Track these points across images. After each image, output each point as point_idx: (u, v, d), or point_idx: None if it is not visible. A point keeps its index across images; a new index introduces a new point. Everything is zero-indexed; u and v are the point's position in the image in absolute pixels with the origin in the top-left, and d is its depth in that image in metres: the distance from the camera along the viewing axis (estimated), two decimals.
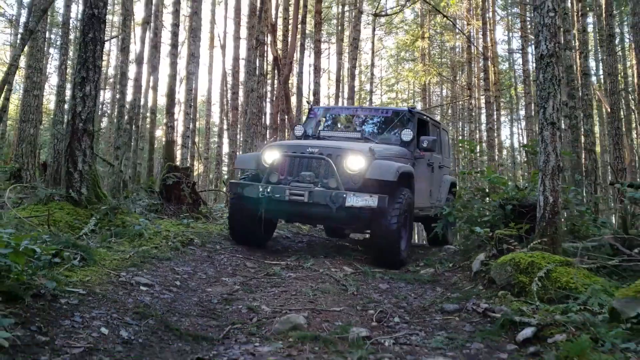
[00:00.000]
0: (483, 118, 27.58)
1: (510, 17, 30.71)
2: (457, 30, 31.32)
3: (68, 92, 18.48)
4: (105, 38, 6.95)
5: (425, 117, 7.95)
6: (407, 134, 6.72)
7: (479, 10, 24.25)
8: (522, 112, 30.62)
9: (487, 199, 6.07)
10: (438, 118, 37.20)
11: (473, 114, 27.82)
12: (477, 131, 29.05)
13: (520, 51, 26.41)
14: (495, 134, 26.01)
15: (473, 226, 5.33)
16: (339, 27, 21.24)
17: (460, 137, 33.62)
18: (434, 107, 37.22)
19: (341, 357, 3.03)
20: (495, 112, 25.13)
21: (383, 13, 23.83)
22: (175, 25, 11.64)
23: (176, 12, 11.80)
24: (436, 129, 8.37)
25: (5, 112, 9.29)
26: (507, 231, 4.93)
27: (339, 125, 7.85)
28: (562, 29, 10.26)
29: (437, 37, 33.32)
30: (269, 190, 5.69)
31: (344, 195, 5.44)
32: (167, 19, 21.76)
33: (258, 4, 13.74)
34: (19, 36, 9.21)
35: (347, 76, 19.78)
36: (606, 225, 5.78)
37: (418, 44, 31.07)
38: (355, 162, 5.76)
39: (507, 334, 3.49)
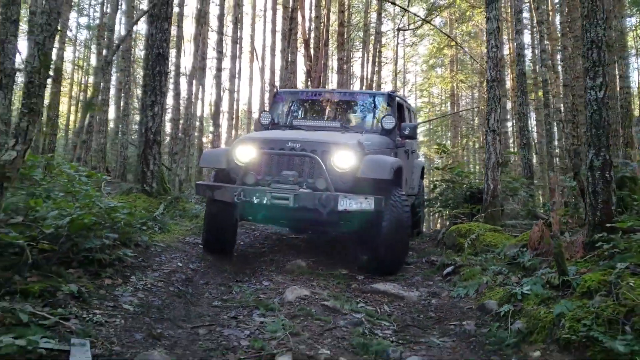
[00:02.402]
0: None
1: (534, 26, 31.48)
2: (481, 40, 32.57)
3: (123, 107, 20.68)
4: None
5: (403, 100, 7.17)
6: (389, 121, 5.89)
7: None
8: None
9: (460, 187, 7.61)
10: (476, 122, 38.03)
11: None
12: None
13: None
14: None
15: (442, 208, 6.91)
16: (363, 43, 22.85)
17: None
18: (462, 110, 38.23)
19: (325, 280, 4.71)
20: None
21: (405, 28, 25.30)
22: (220, 52, 13.61)
23: (220, 41, 13.73)
24: (409, 112, 7.59)
25: (92, 127, 11.32)
26: (462, 210, 6.49)
27: (313, 112, 6.83)
28: (539, 49, 11.59)
29: (465, 44, 34.30)
30: (245, 193, 4.77)
31: (336, 198, 4.59)
32: (213, 36, 23.78)
33: (287, 28, 15.51)
34: (100, 65, 11.10)
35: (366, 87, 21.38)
36: (550, 209, 7.25)
37: (445, 51, 32.33)
38: (345, 159, 4.86)
39: (439, 272, 5.11)
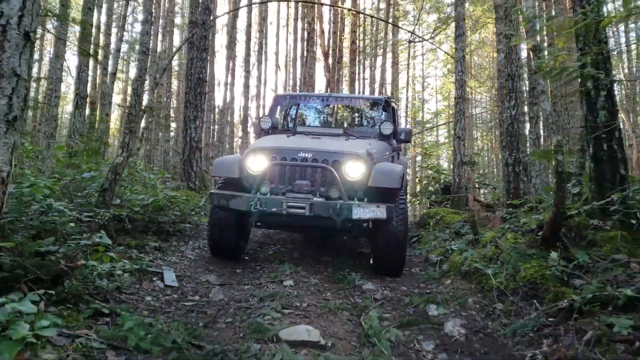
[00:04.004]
0: None
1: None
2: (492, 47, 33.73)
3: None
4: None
5: (395, 104, 7.09)
6: (388, 127, 5.99)
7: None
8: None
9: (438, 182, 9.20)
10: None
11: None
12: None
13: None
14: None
15: (423, 198, 8.51)
16: (374, 58, 24.45)
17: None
18: (471, 115, 39.38)
19: (324, 246, 6.38)
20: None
21: (415, 40, 26.74)
22: (247, 72, 15.47)
23: (247, 62, 15.61)
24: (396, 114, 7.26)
25: (142, 135, 13.28)
26: (436, 199, 8.09)
27: (314, 118, 6.92)
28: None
29: (480, 50, 35.47)
30: (262, 203, 4.69)
31: (350, 207, 4.60)
32: (241, 48, 25.76)
33: (305, 48, 17.27)
34: (149, 84, 12.89)
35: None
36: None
37: None
38: (355, 169, 4.92)
39: (407, 242, 6.72)
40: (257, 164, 5.05)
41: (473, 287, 4.33)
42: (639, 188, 4.21)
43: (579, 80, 4.22)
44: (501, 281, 4.08)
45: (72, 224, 4.12)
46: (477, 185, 8.50)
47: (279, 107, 6.86)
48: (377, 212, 4.66)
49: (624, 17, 3.93)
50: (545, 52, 3.99)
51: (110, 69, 11.72)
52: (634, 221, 4.14)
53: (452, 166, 7.85)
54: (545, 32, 9.14)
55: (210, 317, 3.66)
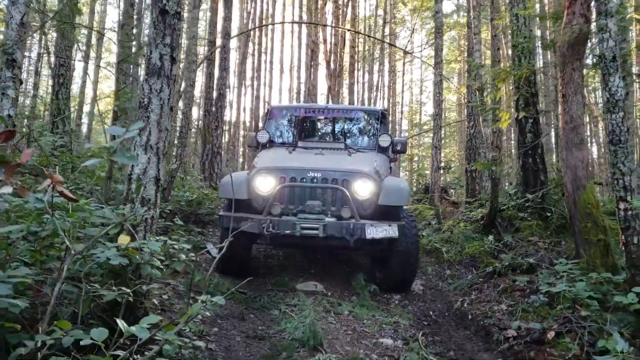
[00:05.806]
0: None
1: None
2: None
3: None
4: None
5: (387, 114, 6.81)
6: (385, 140, 5.77)
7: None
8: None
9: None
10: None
11: None
12: None
13: None
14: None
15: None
16: (373, 65, 25.92)
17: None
18: (456, 121, 40.92)
19: None
20: None
21: (411, 51, 28.30)
22: (257, 78, 16.99)
23: (258, 76, 17.13)
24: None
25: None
26: (417, 197, 9.62)
27: (313, 130, 6.74)
28: None
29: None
30: (275, 225, 4.55)
31: (363, 227, 4.52)
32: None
33: (309, 60, 18.81)
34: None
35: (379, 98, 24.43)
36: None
37: (453, 65, 35.19)
38: (365, 188, 4.81)
39: None
40: (266, 185, 4.88)
41: (432, 260, 5.87)
42: (548, 190, 5.73)
43: (502, 114, 5.75)
44: (451, 256, 5.61)
45: None
46: (452, 187, 10.02)
47: (274, 120, 6.48)
48: (389, 231, 4.60)
49: (536, 70, 5.44)
50: (485, 93, 5.48)
51: None
52: (549, 214, 5.67)
53: (431, 171, 9.36)
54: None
55: (246, 277, 5.18)
